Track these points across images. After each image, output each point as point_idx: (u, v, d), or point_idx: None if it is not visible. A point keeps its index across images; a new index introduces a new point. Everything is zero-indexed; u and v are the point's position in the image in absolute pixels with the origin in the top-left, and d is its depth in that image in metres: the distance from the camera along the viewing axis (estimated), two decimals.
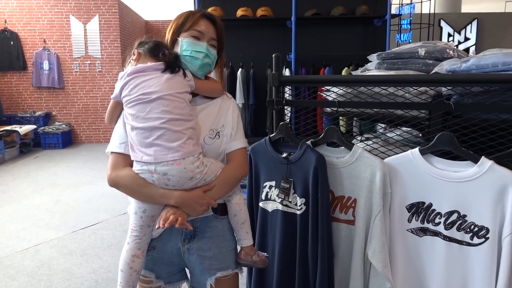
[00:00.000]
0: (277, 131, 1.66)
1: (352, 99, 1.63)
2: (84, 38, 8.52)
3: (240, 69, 4.95)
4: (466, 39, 9.58)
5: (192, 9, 5.04)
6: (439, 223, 1.32)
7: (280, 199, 1.63)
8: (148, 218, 1.34)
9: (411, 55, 1.82)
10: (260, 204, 1.72)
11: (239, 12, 4.95)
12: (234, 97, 4.93)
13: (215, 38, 1.43)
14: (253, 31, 5.20)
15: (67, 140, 8.61)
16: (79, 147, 8.56)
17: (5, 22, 8.34)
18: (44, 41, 8.48)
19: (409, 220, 1.38)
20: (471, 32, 9.53)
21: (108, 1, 8.52)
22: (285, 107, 1.71)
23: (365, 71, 1.94)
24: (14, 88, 8.63)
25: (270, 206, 1.68)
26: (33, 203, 4.91)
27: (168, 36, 1.45)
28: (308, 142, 1.60)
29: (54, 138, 8.21)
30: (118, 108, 1.40)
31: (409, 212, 1.38)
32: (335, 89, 1.60)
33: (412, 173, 1.38)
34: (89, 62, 8.62)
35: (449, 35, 9.56)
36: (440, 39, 9.32)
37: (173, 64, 1.36)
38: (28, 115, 8.48)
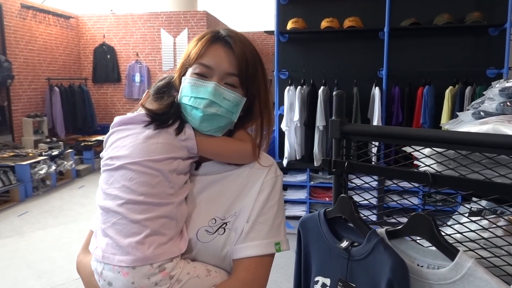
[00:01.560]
0: (335, 205, 1.12)
1: (455, 164, 1.02)
2: (173, 51, 8.64)
3: (322, 87, 4.40)
4: None
5: (273, 22, 4.64)
6: None
7: None
8: None
9: None
10: None
11: (324, 24, 4.42)
12: (314, 119, 4.41)
13: (234, 73, 0.93)
14: (339, 44, 4.62)
15: None
16: None
17: (104, 36, 8.79)
18: (137, 54, 8.76)
19: None
20: None
21: (197, 15, 8.54)
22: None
23: (478, 113, 1.30)
24: (109, 99, 9.05)
25: None
26: None
27: (175, 72, 1.02)
28: (383, 232, 1.03)
29: None
30: None
31: None
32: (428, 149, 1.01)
33: None
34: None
35: None
36: None
37: (161, 115, 0.92)
38: None
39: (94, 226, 0.99)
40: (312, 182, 4.57)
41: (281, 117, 4.57)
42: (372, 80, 4.40)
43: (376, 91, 4.28)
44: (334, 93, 1.15)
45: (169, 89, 1.01)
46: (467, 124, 1.25)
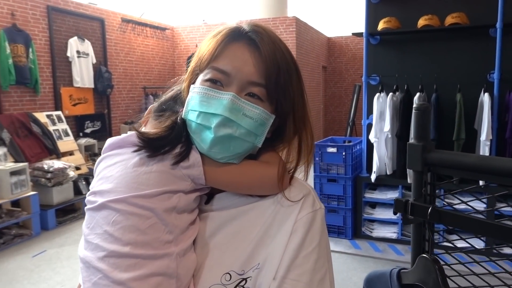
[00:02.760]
0: (413, 268, 0.78)
1: None
2: None
3: (418, 94, 3.88)
4: None
5: (364, 22, 4.21)
6: None
7: None
8: None
9: None
10: None
11: (421, 22, 3.90)
12: (407, 129, 3.90)
13: (259, 82, 0.68)
14: (439, 44, 4.04)
15: None
16: None
17: (196, 46, 9.03)
18: None
19: None
20: None
21: (286, 20, 8.35)
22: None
23: None
24: None
25: None
26: None
27: (184, 80, 0.79)
28: None
29: None
30: None
31: None
32: None
33: None
34: None
35: None
36: None
37: (156, 141, 0.69)
38: None
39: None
40: None
41: (369, 127, 4.13)
42: (480, 85, 3.76)
43: (485, 97, 3.64)
44: (414, 106, 0.81)
45: (174, 104, 0.79)
46: None
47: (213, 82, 0.69)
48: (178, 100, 0.79)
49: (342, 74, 11.38)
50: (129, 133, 0.72)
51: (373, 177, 4.06)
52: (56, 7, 6.20)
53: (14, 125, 5.10)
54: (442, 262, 0.78)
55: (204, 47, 0.72)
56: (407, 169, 3.85)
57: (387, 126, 3.94)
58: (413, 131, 0.82)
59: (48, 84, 6.12)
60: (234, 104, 0.66)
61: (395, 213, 0.78)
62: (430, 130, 3.89)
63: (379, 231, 4.21)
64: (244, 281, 0.67)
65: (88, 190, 0.71)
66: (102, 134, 7.18)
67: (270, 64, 0.67)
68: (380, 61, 4.26)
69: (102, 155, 0.74)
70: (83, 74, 6.62)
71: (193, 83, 0.73)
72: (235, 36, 0.70)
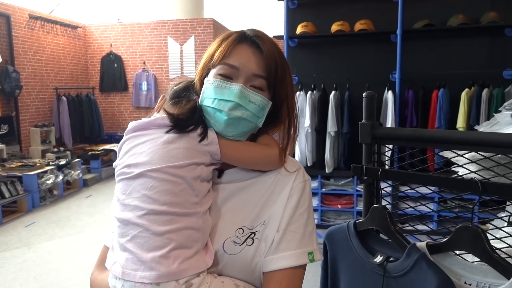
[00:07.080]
0: (367, 217, 1.02)
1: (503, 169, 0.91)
2: (180, 58, 8.59)
3: (333, 92, 4.30)
4: None
5: (282, 27, 4.55)
6: None
7: None
8: None
9: None
10: None
11: (334, 27, 4.32)
12: (325, 124, 4.30)
13: (261, 75, 0.87)
14: (350, 48, 4.52)
15: None
16: None
17: (111, 45, 8.78)
18: (144, 62, 8.73)
19: None
20: None
21: (203, 22, 8.50)
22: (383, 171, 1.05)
23: None
24: (116, 108, 9.02)
25: None
26: None
27: (196, 74, 0.95)
28: (423, 246, 0.92)
29: None
30: None
31: None
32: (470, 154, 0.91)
33: None
34: None
35: None
36: None
37: (185, 121, 0.86)
38: None
39: (109, 241, 0.91)
40: (323, 189, 4.45)
41: None
42: (384, 83, 4.30)
43: (389, 95, 4.17)
44: (364, 94, 1.05)
45: (188, 93, 0.95)
46: (508, 126, 1.14)
47: (224, 76, 0.86)
48: (191, 90, 0.94)
49: None
50: (153, 116, 0.88)
51: None
52: None
53: None
54: None
55: (215, 48, 0.89)
56: (325, 160, 4.25)
57: (306, 122, 4.30)
58: (364, 113, 1.05)
59: None
60: (242, 92, 0.84)
61: (352, 176, 0.99)
62: (345, 124, 4.33)
63: None
64: (253, 234, 0.86)
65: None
66: (10, 138, 6.67)
67: (269, 61, 0.86)
68: (299, 62, 4.62)
69: (126, 137, 0.88)
70: None
71: (205, 76, 0.89)
72: (241, 39, 0.88)
